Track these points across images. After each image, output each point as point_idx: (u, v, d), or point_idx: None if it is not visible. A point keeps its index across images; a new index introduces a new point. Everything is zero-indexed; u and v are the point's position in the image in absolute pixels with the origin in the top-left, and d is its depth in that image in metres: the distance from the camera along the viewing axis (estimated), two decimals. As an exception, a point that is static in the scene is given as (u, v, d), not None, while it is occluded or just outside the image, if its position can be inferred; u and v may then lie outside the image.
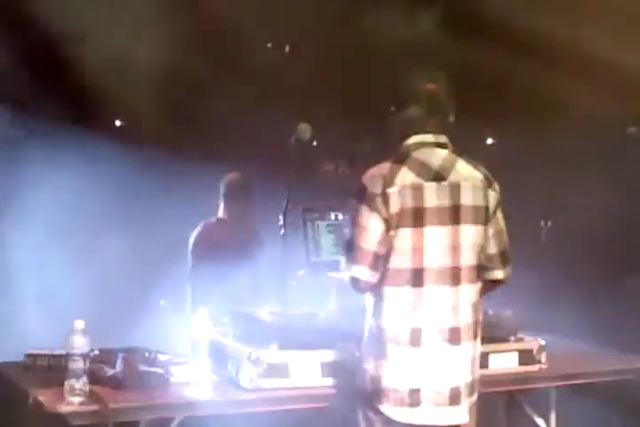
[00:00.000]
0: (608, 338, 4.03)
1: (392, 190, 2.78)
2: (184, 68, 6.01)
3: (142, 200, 5.74)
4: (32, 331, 4.18)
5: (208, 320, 3.38)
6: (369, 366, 2.85)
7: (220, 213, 4.74)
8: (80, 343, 2.87)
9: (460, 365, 2.87)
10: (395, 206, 2.78)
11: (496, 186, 2.95)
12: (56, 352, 3.22)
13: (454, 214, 2.83)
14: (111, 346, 3.27)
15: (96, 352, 3.10)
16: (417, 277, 2.80)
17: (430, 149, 2.88)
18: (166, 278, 4.90)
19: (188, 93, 6.13)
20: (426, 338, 2.81)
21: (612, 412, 4.21)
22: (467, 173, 2.89)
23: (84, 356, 2.87)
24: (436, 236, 2.81)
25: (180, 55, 5.86)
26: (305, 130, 3.72)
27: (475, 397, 2.92)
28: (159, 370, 3.11)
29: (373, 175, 2.83)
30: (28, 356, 3.31)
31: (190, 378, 3.16)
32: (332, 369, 3.16)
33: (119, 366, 3.08)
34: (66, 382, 2.86)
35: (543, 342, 3.55)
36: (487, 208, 2.90)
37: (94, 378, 2.96)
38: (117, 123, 6.58)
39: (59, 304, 4.70)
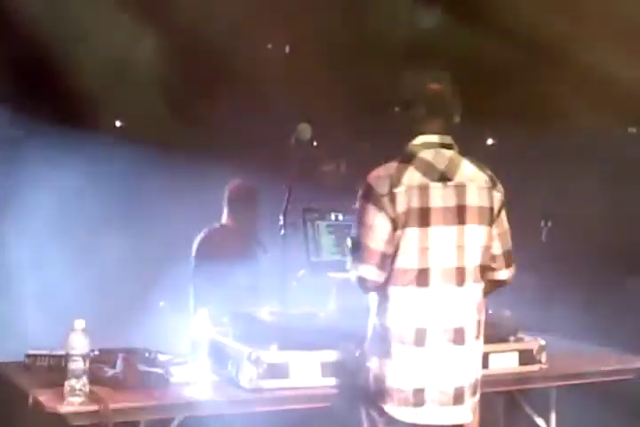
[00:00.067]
0: (607, 338, 4.03)
1: (399, 190, 2.78)
2: (184, 69, 6.01)
3: (142, 200, 5.74)
4: (32, 331, 4.18)
5: (208, 321, 3.38)
6: (372, 366, 2.85)
7: (224, 219, 4.75)
8: (80, 344, 2.87)
9: (464, 365, 2.87)
10: (401, 206, 2.78)
11: (500, 187, 2.96)
12: (56, 352, 3.22)
13: (460, 215, 2.84)
14: (111, 346, 3.27)
15: (96, 352, 3.10)
16: (422, 277, 2.80)
17: (436, 149, 2.88)
18: (166, 279, 4.90)
19: (188, 94, 6.13)
20: (430, 338, 2.81)
21: (612, 412, 4.21)
22: (472, 173, 2.90)
23: (84, 356, 2.87)
24: (441, 236, 2.82)
25: (179, 55, 5.86)
26: (305, 130, 3.72)
27: (478, 396, 2.93)
28: (159, 370, 3.11)
29: (379, 175, 2.83)
30: (28, 356, 3.31)
31: (190, 378, 3.16)
32: (332, 369, 3.16)
33: (119, 366, 3.08)
34: (66, 383, 2.86)
35: (543, 342, 3.55)
36: (492, 209, 2.91)
37: (94, 378, 2.95)
38: (117, 123, 6.58)
39: (59, 304, 4.70)
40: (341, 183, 5.88)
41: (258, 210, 4.69)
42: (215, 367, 3.26)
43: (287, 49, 6.48)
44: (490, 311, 3.30)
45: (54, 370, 3.13)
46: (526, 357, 3.51)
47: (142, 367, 3.09)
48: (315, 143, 4.21)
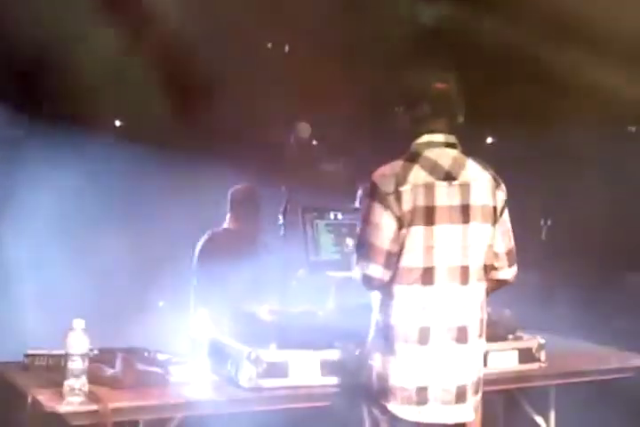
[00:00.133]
0: (606, 336, 4.04)
1: (405, 188, 2.79)
2: (183, 68, 6.01)
3: (141, 200, 5.74)
4: (31, 331, 4.18)
5: (208, 320, 3.39)
6: (376, 364, 2.85)
7: (227, 222, 4.77)
8: (79, 343, 2.87)
9: (466, 363, 2.88)
10: (407, 204, 2.79)
11: (503, 186, 2.97)
12: (55, 352, 3.22)
13: (464, 213, 2.85)
14: (110, 346, 3.27)
15: (95, 352, 3.10)
16: (427, 276, 2.81)
17: (440, 148, 2.89)
18: (165, 279, 4.91)
19: (188, 93, 6.12)
20: (434, 336, 2.82)
21: (611, 410, 4.21)
22: (476, 173, 2.91)
23: (83, 356, 2.87)
24: (446, 234, 2.82)
25: (179, 55, 5.86)
26: (304, 129, 3.72)
27: (480, 395, 2.93)
28: (158, 370, 3.12)
29: (384, 174, 2.84)
30: (27, 356, 3.31)
31: (190, 378, 3.16)
32: (331, 368, 3.16)
33: (118, 365, 3.08)
34: (65, 382, 2.85)
35: (542, 341, 3.55)
36: (495, 208, 2.92)
37: (93, 378, 2.95)
38: (117, 123, 6.58)
39: (58, 304, 4.70)
40: (340, 183, 5.88)
41: (260, 213, 4.70)
42: (215, 367, 3.27)
43: (286, 48, 6.48)
44: (489, 310, 3.30)
45: (53, 370, 3.12)
46: (525, 355, 3.51)
47: (141, 367, 3.10)
48: (314, 142, 4.21)
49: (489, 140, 6.04)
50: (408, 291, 2.81)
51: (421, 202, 2.80)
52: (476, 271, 2.87)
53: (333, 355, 3.18)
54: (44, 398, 2.89)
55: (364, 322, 3.20)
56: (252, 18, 5.84)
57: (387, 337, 2.83)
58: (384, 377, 2.82)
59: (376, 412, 2.86)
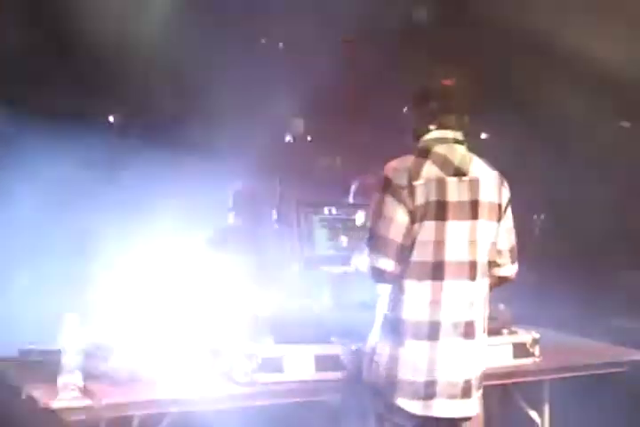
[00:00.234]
0: (600, 331, 4.05)
1: (418, 183, 2.80)
2: (181, 64, 6.00)
3: (137, 195, 5.72)
4: (24, 326, 4.16)
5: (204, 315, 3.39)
6: (382, 359, 2.85)
7: (230, 220, 4.81)
8: (73, 339, 2.87)
9: (473, 358, 2.90)
10: (420, 199, 2.80)
11: (507, 185, 3.00)
12: (49, 348, 3.21)
13: (473, 209, 2.87)
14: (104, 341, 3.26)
15: (89, 347, 3.09)
16: (438, 271, 2.82)
17: (449, 144, 2.91)
18: (163, 274, 4.89)
19: (186, 89, 6.11)
20: (444, 331, 2.83)
21: (605, 404, 4.22)
22: (483, 170, 2.94)
23: (78, 351, 2.87)
24: (456, 230, 2.84)
25: (177, 51, 5.85)
26: (299, 125, 3.72)
27: (481, 390, 2.95)
28: (153, 365, 3.11)
29: (397, 168, 2.85)
30: (22, 351, 3.30)
31: (184, 373, 3.15)
32: (326, 363, 3.16)
33: (113, 360, 3.08)
34: (59, 378, 2.85)
35: (537, 336, 3.56)
36: (500, 205, 2.95)
37: (88, 373, 2.95)
38: (111, 119, 6.56)
39: (52, 298, 4.69)
40: (336, 178, 5.87)
41: (261, 209, 4.72)
42: (210, 362, 3.27)
43: (281, 45, 6.47)
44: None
45: (48, 365, 3.11)
46: (520, 350, 3.52)
47: (136, 362, 3.09)
48: (309, 138, 4.21)
49: (483, 135, 6.03)
50: (419, 286, 2.82)
51: (434, 197, 2.81)
52: (482, 267, 2.90)
53: (328, 350, 3.18)
54: (39, 393, 2.89)
55: (358, 317, 3.22)
56: (249, 13, 5.83)
57: (396, 331, 2.83)
58: (392, 372, 2.83)
59: (381, 407, 2.86)
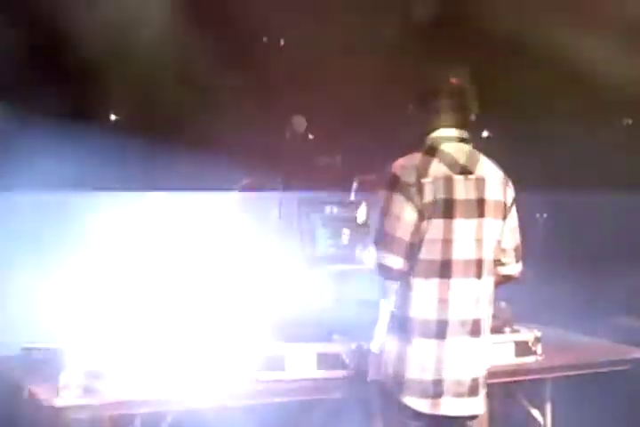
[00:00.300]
0: (603, 329, 4.04)
1: (427, 181, 2.80)
2: (181, 63, 6.00)
3: (137, 194, 5.72)
4: (25, 324, 4.16)
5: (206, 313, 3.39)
6: (390, 358, 2.84)
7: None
8: (75, 337, 2.87)
9: (479, 356, 2.90)
10: (428, 197, 2.80)
11: (511, 184, 3.00)
12: (51, 346, 3.21)
13: (479, 208, 2.87)
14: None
15: (91, 345, 3.09)
16: (445, 269, 2.82)
17: (455, 143, 2.91)
18: (164, 272, 4.89)
19: (185, 87, 6.11)
20: (451, 330, 2.83)
21: (607, 403, 4.21)
22: (489, 168, 2.94)
23: (80, 350, 2.87)
24: (463, 228, 2.84)
25: (177, 50, 5.85)
26: (300, 122, 3.72)
27: (486, 388, 2.95)
28: (156, 362, 3.11)
29: (405, 165, 2.84)
30: (24, 349, 3.30)
31: (186, 371, 3.15)
32: (328, 362, 3.17)
33: (116, 358, 3.07)
34: (61, 376, 2.85)
35: (539, 334, 3.56)
36: (505, 204, 2.96)
37: (90, 372, 2.95)
38: (112, 117, 6.56)
39: (54, 296, 4.69)
40: (337, 176, 5.87)
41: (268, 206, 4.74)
42: (211, 360, 3.26)
43: (282, 42, 6.47)
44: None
45: (50, 363, 3.12)
46: (522, 348, 3.52)
47: (138, 359, 3.09)
48: (310, 136, 4.21)
49: (484, 133, 6.03)
50: (426, 284, 2.82)
51: (441, 195, 2.81)
52: (488, 265, 2.91)
53: (330, 348, 3.18)
54: (41, 392, 2.89)
55: (360, 315, 3.22)
56: (250, 11, 5.82)
57: (404, 330, 2.83)
58: (400, 370, 2.82)
59: (388, 406, 2.86)
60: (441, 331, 2.82)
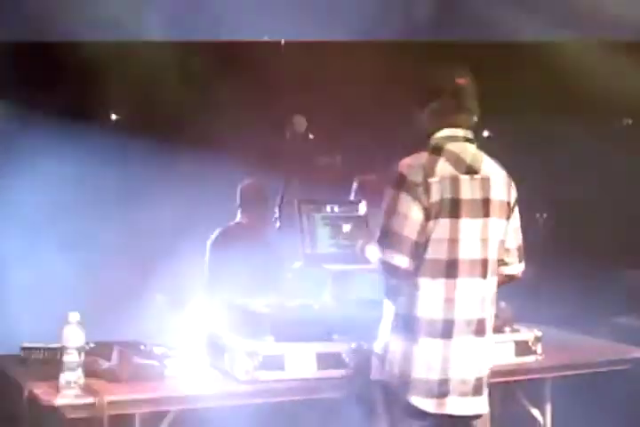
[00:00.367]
0: (602, 329, 4.04)
1: (434, 180, 2.81)
2: (181, 63, 6.00)
3: (138, 194, 5.73)
4: (25, 324, 4.16)
5: (204, 313, 3.39)
6: (396, 358, 2.84)
7: (238, 218, 4.83)
8: (75, 336, 2.87)
9: (483, 356, 2.91)
10: (435, 196, 2.80)
11: (513, 184, 3.01)
12: (51, 345, 3.22)
13: (485, 207, 2.88)
14: (107, 339, 3.26)
15: (91, 345, 3.09)
16: (452, 269, 2.83)
17: (460, 143, 2.92)
18: (162, 272, 4.91)
19: (185, 86, 6.12)
20: (457, 329, 2.84)
21: (607, 402, 4.21)
22: (493, 168, 2.95)
23: (80, 349, 2.87)
24: (469, 228, 2.85)
25: (177, 50, 5.85)
26: (300, 122, 3.71)
27: (488, 388, 2.95)
28: (155, 363, 3.11)
29: (411, 164, 2.84)
30: (24, 349, 3.30)
31: (186, 371, 3.16)
32: (327, 361, 3.16)
33: (115, 358, 3.08)
34: (61, 376, 2.85)
35: (539, 333, 3.56)
36: (509, 203, 2.97)
37: (89, 371, 2.95)
38: (113, 116, 6.57)
39: (53, 296, 4.69)
40: (337, 176, 5.88)
41: (269, 205, 4.74)
42: (211, 360, 3.27)
43: (282, 41, 6.47)
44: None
45: (49, 363, 3.12)
46: (522, 348, 3.52)
47: (138, 360, 3.09)
48: (310, 136, 4.20)
49: (485, 133, 6.03)
50: (433, 284, 2.82)
51: (448, 194, 2.82)
52: (492, 265, 2.91)
53: (330, 348, 3.18)
54: (41, 391, 2.89)
55: (360, 315, 3.22)
56: (249, 10, 5.82)
57: (410, 329, 2.83)
58: (406, 370, 2.82)
59: (393, 405, 2.85)
60: (447, 330, 2.83)
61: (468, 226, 2.84)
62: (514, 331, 3.55)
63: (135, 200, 5.71)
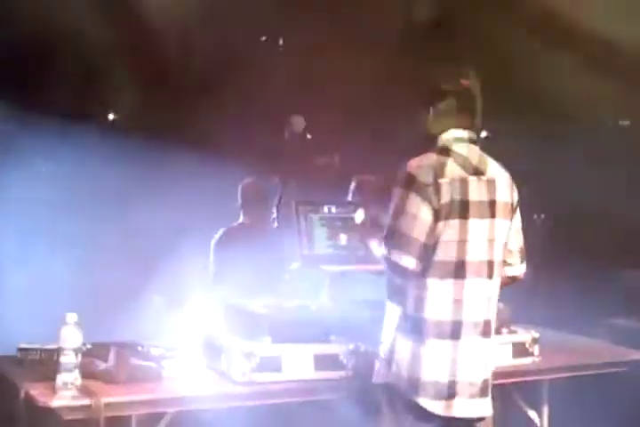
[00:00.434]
0: (600, 331, 4.04)
1: (444, 181, 2.81)
2: (181, 63, 6.00)
3: (136, 194, 5.72)
4: (22, 325, 4.16)
5: (201, 314, 3.38)
6: (403, 360, 2.83)
7: (241, 218, 4.84)
8: (72, 337, 2.86)
9: (489, 357, 2.92)
10: (445, 197, 2.80)
11: (515, 186, 3.01)
12: (48, 346, 3.21)
13: (491, 209, 2.89)
14: (103, 340, 3.26)
15: (88, 346, 3.09)
16: (460, 270, 2.83)
17: (466, 144, 2.92)
18: (160, 273, 4.90)
19: (185, 87, 6.11)
20: (465, 330, 2.84)
21: (605, 404, 4.21)
22: (498, 170, 2.96)
23: (76, 350, 2.86)
24: (477, 229, 2.85)
25: (176, 50, 5.85)
26: (299, 122, 3.71)
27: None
28: (152, 364, 3.11)
29: (421, 165, 2.84)
30: (20, 350, 3.30)
31: (183, 372, 3.15)
32: (325, 362, 3.16)
33: (112, 360, 3.07)
34: (58, 377, 2.85)
35: (537, 335, 3.55)
36: (513, 205, 2.98)
37: (86, 372, 2.95)
38: (110, 116, 6.56)
39: (49, 297, 4.69)
40: (334, 176, 5.87)
41: (271, 204, 4.74)
42: (208, 361, 3.26)
43: (281, 41, 6.46)
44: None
45: (46, 364, 3.12)
46: (519, 349, 3.52)
47: (135, 361, 3.08)
48: (308, 136, 4.20)
49: (483, 133, 6.02)
50: (441, 285, 2.82)
51: (457, 195, 2.82)
52: (498, 266, 2.92)
53: (327, 349, 3.17)
54: (37, 392, 2.88)
55: (358, 316, 3.21)
56: (249, 11, 5.82)
57: (417, 331, 2.82)
58: (414, 373, 2.81)
59: (399, 408, 2.84)
60: (455, 332, 2.83)
61: (476, 227, 2.85)
62: (511, 332, 3.55)
63: (133, 201, 5.71)
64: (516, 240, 3.03)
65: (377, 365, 2.91)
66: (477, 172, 2.89)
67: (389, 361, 2.86)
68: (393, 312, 2.89)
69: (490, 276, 2.89)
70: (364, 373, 3.07)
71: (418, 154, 2.89)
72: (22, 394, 2.94)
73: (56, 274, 5.02)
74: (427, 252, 2.79)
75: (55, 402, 2.81)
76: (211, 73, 6.10)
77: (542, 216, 5.75)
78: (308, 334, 3.19)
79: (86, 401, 2.81)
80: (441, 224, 2.80)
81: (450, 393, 2.82)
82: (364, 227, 3.08)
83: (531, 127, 6.06)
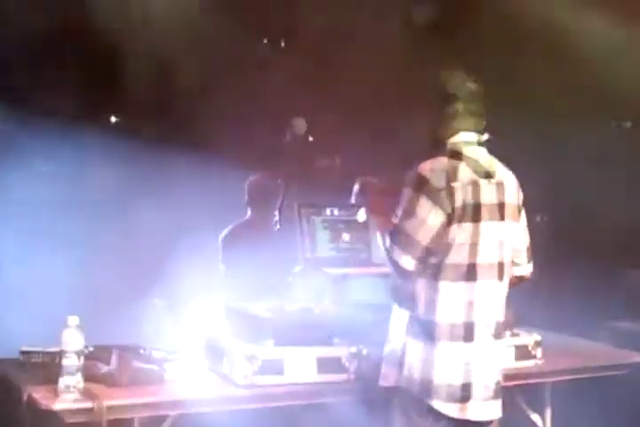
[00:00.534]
0: (602, 333, 4.03)
1: (457, 185, 2.82)
2: (181, 63, 5.99)
3: (136, 195, 5.72)
4: (21, 325, 4.15)
5: (203, 317, 3.38)
6: (415, 363, 2.83)
7: (248, 215, 4.84)
8: (74, 340, 2.86)
9: (500, 359, 2.94)
10: (459, 201, 2.81)
11: (519, 187, 3.03)
12: (50, 349, 3.20)
13: (500, 211, 2.91)
14: (105, 343, 3.25)
15: (90, 349, 3.08)
16: (471, 272, 2.84)
17: (475, 147, 2.93)
18: (160, 276, 4.89)
19: (184, 87, 6.10)
20: (478, 332, 2.85)
21: (607, 407, 4.21)
22: (505, 172, 2.98)
23: (78, 353, 2.86)
24: (488, 231, 2.86)
25: (177, 50, 5.83)
26: (300, 124, 3.70)
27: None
28: (154, 367, 3.10)
29: (433, 169, 2.84)
30: (23, 353, 3.29)
31: (185, 375, 3.15)
32: (328, 365, 3.15)
33: (114, 362, 3.07)
34: (60, 380, 2.84)
35: (539, 338, 3.55)
36: (519, 206, 3.01)
37: (89, 375, 2.94)
38: (112, 119, 6.55)
39: (50, 299, 4.68)
40: (337, 179, 5.87)
41: (277, 200, 4.74)
42: (210, 364, 3.26)
43: (282, 43, 6.45)
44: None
45: (48, 367, 3.11)
46: (522, 352, 3.52)
47: (137, 364, 3.08)
48: (310, 138, 4.19)
49: (485, 136, 6.02)
50: (453, 287, 2.83)
51: (470, 199, 2.83)
52: (507, 267, 2.94)
53: (330, 352, 3.17)
54: (39, 395, 2.88)
55: (360, 319, 3.21)
56: (248, 13, 5.81)
57: (428, 333, 2.83)
58: (427, 375, 2.82)
59: (411, 411, 2.84)
60: (468, 334, 2.84)
61: (488, 230, 2.86)
62: (514, 335, 3.54)
63: (133, 201, 5.70)
64: (523, 240, 3.05)
65: (383, 368, 2.91)
66: (488, 175, 2.90)
67: (400, 365, 2.86)
68: (401, 315, 2.89)
69: (500, 277, 2.91)
70: (367, 376, 3.07)
71: (423, 157, 2.89)
72: (25, 397, 2.94)
73: (56, 274, 5.01)
74: (428, 255, 2.80)
75: (58, 405, 2.81)
76: (211, 73, 6.09)
77: (545, 218, 5.75)
78: (311, 337, 3.18)
79: (89, 404, 2.81)
80: (454, 227, 2.80)
81: (464, 396, 2.82)
82: (382, 216, 3.04)
83: (531, 127, 6.05)
